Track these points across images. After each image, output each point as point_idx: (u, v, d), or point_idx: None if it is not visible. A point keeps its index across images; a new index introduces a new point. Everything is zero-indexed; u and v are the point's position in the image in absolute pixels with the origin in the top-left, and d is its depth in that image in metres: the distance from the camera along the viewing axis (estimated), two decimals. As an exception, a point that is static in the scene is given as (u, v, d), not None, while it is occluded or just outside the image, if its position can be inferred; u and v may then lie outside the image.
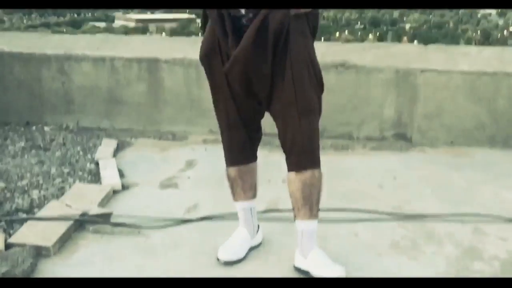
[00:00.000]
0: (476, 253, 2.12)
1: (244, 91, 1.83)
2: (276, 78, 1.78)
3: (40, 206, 2.41)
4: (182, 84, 3.59)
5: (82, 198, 2.45)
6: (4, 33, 4.66)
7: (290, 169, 1.88)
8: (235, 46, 1.73)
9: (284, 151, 1.89)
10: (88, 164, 2.96)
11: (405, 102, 3.42)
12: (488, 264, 2.04)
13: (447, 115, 3.38)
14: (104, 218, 2.31)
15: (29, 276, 1.89)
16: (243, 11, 1.73)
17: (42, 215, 2.28)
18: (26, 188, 2.61)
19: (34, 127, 3.63)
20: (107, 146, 3.22)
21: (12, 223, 2.25)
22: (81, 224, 2.27)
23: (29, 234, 2.12)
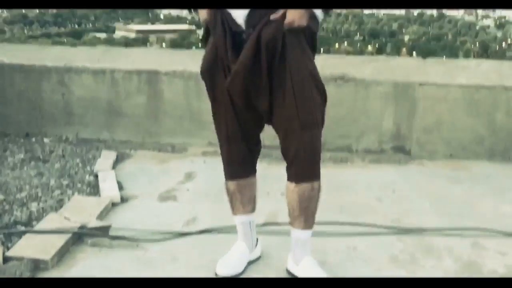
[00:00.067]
0: (475, 268, 2.11)
1: (245, 104, 1.85)
2: (276, 93, 1.79)
3: (39, 218, 2.41)
4: (181, 96, 3.60)
5: (80, 210, 2.45)
6: (5, 45, 4.68)
7: (290, 179, 1.90)
8: (235, 61, 1.75)
9: (286, 161, 1.90)
10: (87, 176, 2.96)
11: (404, 115, 3.43)
12: (487, 279, 2.03)
13: (446, 128, 3.39)
14: (103, 231, 2.31)
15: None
16: (243, 26, 1.75)
17: (40, 228, 2.28)
18: (25, 201, 2.61)
19: (33, 139, 3.63)
20: (106, 158, 3.22)
21: (10, 236, 2.25)
22: (80, 237, 2.26)
23: (27, 247, 2.12)
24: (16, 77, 3.67)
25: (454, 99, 3.34)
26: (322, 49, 11.87)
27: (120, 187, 2.83)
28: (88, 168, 3.10)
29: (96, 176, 2.96)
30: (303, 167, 1.84)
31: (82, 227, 2.29)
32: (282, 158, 1.92)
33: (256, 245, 2.14)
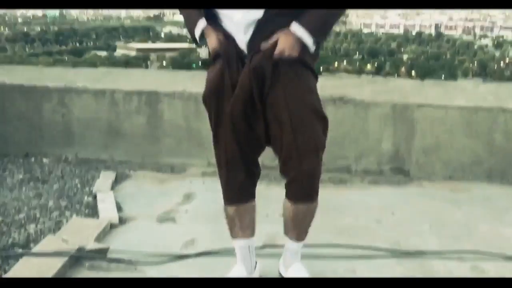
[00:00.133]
0: (475, 292, 2.09)
1: (245, 128, 1.86)
2: (272, 123, 1.82)
3: (37, 240, 2.40)
4: (181, 116, 3.62)
5: (78, 232, 2.44)
6: (6, 66, 4.72)
7: (287, 197, 1.94)
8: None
9: (284, 178, 1.93)
10: (85, 197, 2.96)
11: (402, 136, 3.44)
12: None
13: (445, 149, 3.40)
14: (101, 253, 2.30)
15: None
16: (245, 51, 1.78)
17: (37, 251, 2.27)
18: (22, 222, 2.60)
19: (33, 159, 3.63)
20: (105, 179, 3.22)
21: (7, 258, 2.24)
22: (77, 259, 2.25)
23: (24, 270, 2.10)
24: (16, 97, 3.69)
25: (453, 121, 3.36)
26: (321, 67, 11.95)
27: (119, 208, 2.83)
28: (87, 189, 3.09)
29: (95, 197, 2.96)
30: (302, 189, 1.86)
31: (79, 249, 2.28)
32: (281, 178, 1.94)
33: (255, 268, 2.13)
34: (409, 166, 3.46)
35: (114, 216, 2.68)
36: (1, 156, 3.65)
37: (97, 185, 3.12)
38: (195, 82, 3.65)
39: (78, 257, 2.25)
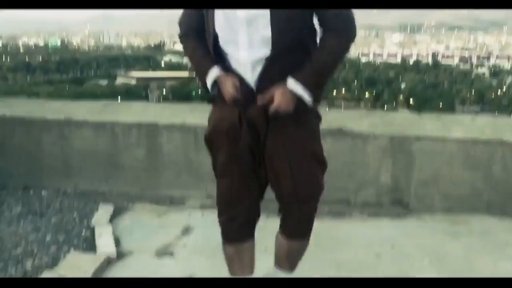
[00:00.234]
0: (477, 330, 2.07)
1: (251, 171, 1.90)
2: (272, 168, 1.84)
3: (33, 276, 2.38)
4: (180, 149, 3.63)
5: (76, 268, 2.42)
6: (7, 99, 4.76)
7: (281, 231, 1.98)
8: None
9: (280, 206, 1.99)
10: (83, 231, 2.95)
11: (401, 169, 3.45)
12: None
13: (444, 181, 3.40)
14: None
15: None
16: (254, 90, 1.82)
17: None
18: (20, 257, 2.58)
19: (31, 191, 3.63)
20: (103, 212, 3.21)
21: (3, 295, 2.21)
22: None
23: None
24: (16, 130, 3.71)
25: (451, 153, 3.37)
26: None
27: (117, 242, 2.82)
28: (85, 222, 3.08)
29: (93, 231, 2.94)
30: (298, 228, 1.90)
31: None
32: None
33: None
34: (408, 198, 3.46)
35: (111, 251, 2.67)
36: (-1, 188, 3.65)
37: (96, 218, 3.11)
38: (195, 115, 3.68)
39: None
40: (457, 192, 3.39)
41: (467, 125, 3.55)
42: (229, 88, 1.78)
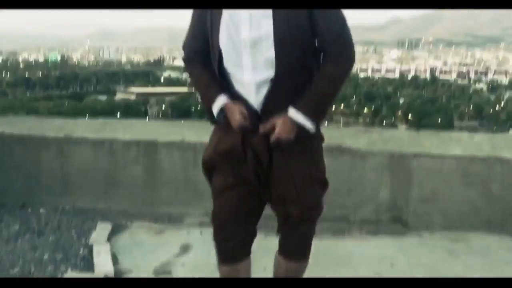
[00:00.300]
0: None
1: (257, 185, 1.91)
2: (279, 192, 1.88)
3: (30, 296, 2.35)
4: (179, 166, 3.63)
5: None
6: (7, 117, 4.77)
7: (280, 252, 1.99)
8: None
9: (278, 223, 2.00)
10: (81, 250, 2.93)
11: (399, 186, 3.45)
12: None
13: (442, 199, 3.40)
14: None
15: None
16: (259, 112, 1.85)
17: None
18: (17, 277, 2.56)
19: (29, 209, 3.62)
20: (101, 230, 3.20)
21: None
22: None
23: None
24: (15, 147, 3.71)
25: (449, 170, 3.37)
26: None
27: (115, 261, 2.80)
28: (83, 240, 3.07)
29: (91, 249, 2.93)
30: (296, 249, 1.90)
31: (74, 306, 2.23)
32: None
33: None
34: (407, 215, 3.45)
35: (109, 270, 2.65)
36: (-2, 206, 3.64)
37: (94, 236, 3.10)
38: (193, 132, 3.69)
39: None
40: (456, 209, 3.39)
41: (465, 142, 3.56)
42: (237, 116, 1.80)
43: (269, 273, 2.60)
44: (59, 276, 2.59)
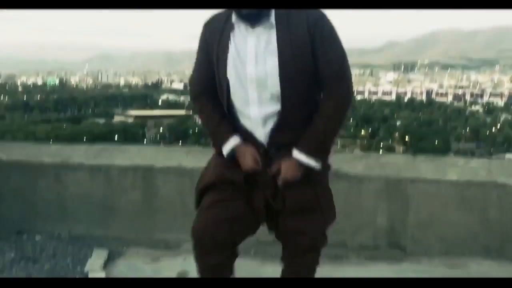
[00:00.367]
0: None
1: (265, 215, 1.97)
2: (286, 226, 1.94)
3: (24, 326, 2.32)
4: (176, 192, 3.62)
5: (68, 317, 2.37)
6: (4, 143, 4.78)
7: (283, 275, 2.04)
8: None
9: (282, 246, 2.06)
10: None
11: (397, 211, 3.45)
12: None
13: (440, 224, 3.40)
14: None
15: None
16: (265, 145, 1.91)
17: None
18: (11, 306, 2.53)
19: (25, 236, 3.59)
20: (97, 257, 3.17)
21: None
22: None
23: None
24: (12, 173, 3.71)
25: (446, 195, 3.38)
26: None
27: (111, 289, 2.76)
28: (79, 268, 3.04)
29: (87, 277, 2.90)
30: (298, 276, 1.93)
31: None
32: (276, 255, 2.01)
33: None
34: (405, 241, 3.44)
35: (105, 298, 2.61)
36: (-7, 233, 3.61)
37: (89, 264, 3.07)
38: (191, 157, 3.70)
39: None
40: (453, 234, 3.38)
41: (461, 167, 3.57)
42: (249, 161, 1.87)
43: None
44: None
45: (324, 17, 1.82)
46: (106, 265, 3.13)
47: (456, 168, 3.54)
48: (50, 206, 3.69)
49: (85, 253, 3.28)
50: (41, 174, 3.69)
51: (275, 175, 1.86)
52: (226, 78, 1.83)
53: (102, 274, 2.93)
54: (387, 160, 3.73)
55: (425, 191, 3.40)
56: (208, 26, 1.89)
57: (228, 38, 1.81)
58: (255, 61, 1.78)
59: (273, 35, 1.78)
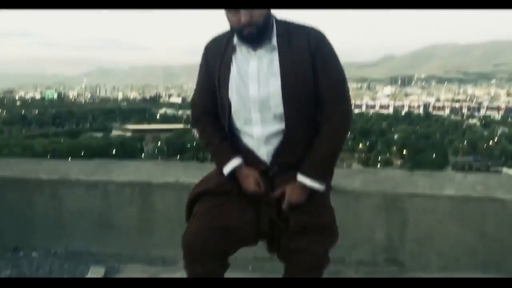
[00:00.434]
0: None
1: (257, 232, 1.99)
2: (289, 247, 1.94)
3: None
4: (174, 208, 3.61)
5: (64, 336, 2.35)
6: (1, 158, 4.77)
7: None
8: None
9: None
10: (73, 295, 2.87)
11: (395, 227, 3.44)
12: None
13: (438, 239, 3.39)
14: None
15: None
16: (267, 163, 1.94)
17: None
18: (6, 325, 2.50)
19: (21, 253, 3.57)
20: (94, 275, 3.15)
21: None
22: None
23: None
24: (8, 190, 3.69)
25: (444, 211, 3.37)
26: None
27: (107, 307, 2.74)
28: (75, 285, 3.01)
29: (83, 295, 2.87)
30: None
31: None
32: (275, 271, 2.02)
33: None
34: (403, 257, 3.43)
35: (101, 317, 2.59)
36: (-12, 250, 3.58)
37: (86, 281, 3.05)
38: (188, 173, 3.69)
39: None
40: (451, 250, 3.37)
41: (458, 182, 3.57)
42: (251, 185, 1.90)
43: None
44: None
45: (324, 38, 1.87)
46: (102, 282, 3.10)
47: (454, 183, 3.54)
48: (47, 222, 3.68)
49: (82, 270, 3.26)
50: (38, 190, 3.68)
51: (279, 198, 1.88)
52: (228, 98, 1.85)
53: (98, 292, 2.90)
54: (385, 176, 3.73)
55: (422, 207, 3.39)
56: (209, 49, 1.92)
57: (230, 60, 1.84)
58: (257, 83, 1.81)
59: (275, 57, 1.81)
